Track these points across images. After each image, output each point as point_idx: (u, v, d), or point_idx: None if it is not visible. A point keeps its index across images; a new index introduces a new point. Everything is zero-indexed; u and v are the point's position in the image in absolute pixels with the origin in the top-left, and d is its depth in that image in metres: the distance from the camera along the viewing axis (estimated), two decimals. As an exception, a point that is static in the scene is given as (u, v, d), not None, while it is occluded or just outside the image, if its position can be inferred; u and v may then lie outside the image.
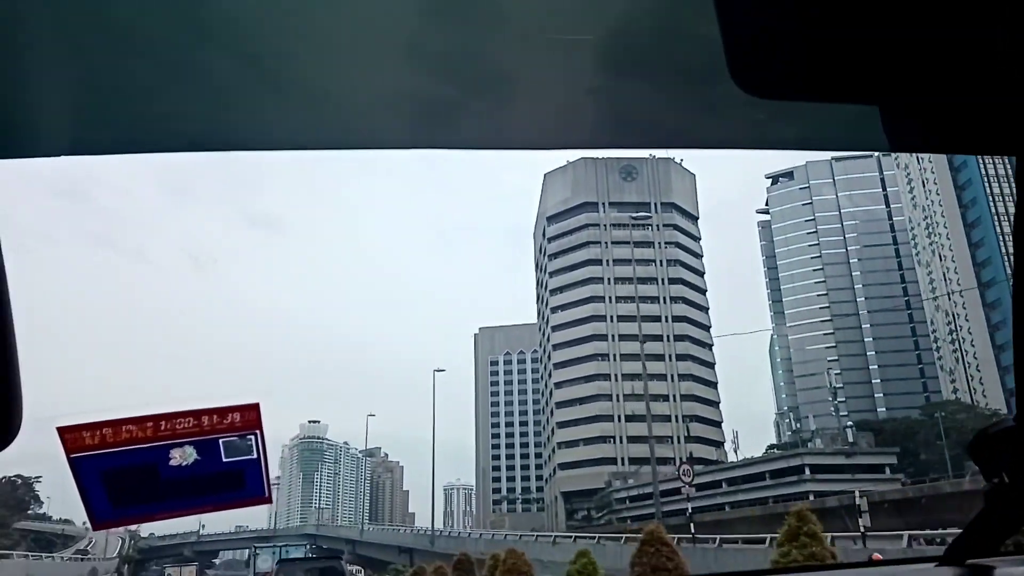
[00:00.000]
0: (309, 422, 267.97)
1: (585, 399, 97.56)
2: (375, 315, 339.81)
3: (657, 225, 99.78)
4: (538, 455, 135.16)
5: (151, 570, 72.84)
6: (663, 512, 61.34)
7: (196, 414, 1.30)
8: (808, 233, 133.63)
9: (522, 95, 1.14)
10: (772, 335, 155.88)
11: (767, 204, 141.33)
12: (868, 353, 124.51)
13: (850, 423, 70.47)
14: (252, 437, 1.33)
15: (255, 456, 1.33)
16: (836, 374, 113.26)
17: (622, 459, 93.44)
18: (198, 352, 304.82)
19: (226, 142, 1.15)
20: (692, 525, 25.26)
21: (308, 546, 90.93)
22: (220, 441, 1.31)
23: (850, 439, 64.58)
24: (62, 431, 1.25)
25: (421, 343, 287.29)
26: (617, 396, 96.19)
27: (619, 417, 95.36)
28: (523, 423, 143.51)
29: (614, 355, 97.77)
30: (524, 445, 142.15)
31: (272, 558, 33.71)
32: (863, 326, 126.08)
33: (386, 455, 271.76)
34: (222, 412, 1.31)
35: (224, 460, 1.31)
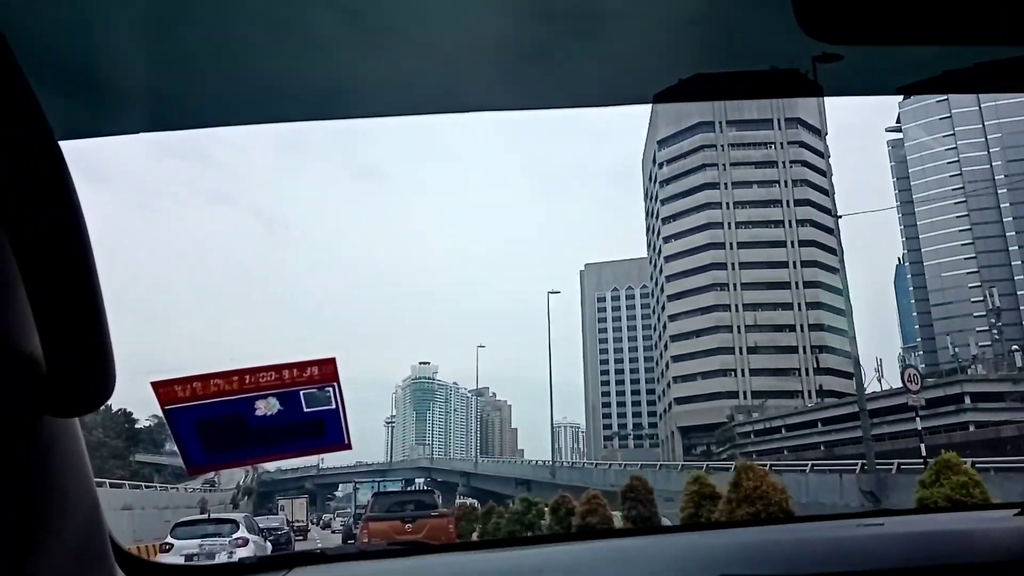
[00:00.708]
0: (420, 363, 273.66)
1: (702, 331, 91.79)
2: (478, 261, 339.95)
3: (781, 143, 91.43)
4: (650, 391, 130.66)
5: (275, 500, 74.49)
6: (834, 442, 55.60)
7: (278, 368, 1.37)
8: (947, 150, 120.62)
9: (622, 37, 1.09)
10: (902, 262, 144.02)
11: (898, 121, 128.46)
12: (1016, 277, 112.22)
13: (1016, 347, 62.02)
14: (330, 389, 1.38)
15: (334, 406, 1.38)
16: (977, 301, 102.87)
17: (744, 393, 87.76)
18: (312, 301, 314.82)
19: (334, 109, 1.13)
20: (924, 447, 19.66)
21: (425, 479, 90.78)
22: (301, 393, 1.37)
23: (1018, 364, 56.57)
24: (156, 385, 1.32)
25: (525, 285, 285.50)
26: (738, 327, 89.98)
27: (740, 349, 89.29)
28: (633, 359, 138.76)
29: (734, 284, 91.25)
30: (635, 381, 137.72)
31: (371, 492, 32.96)
32: (1010, 248, 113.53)
33: (494, 394, 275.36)
34: (301, 366, 1.37)
35: (305, 410, 1.37)
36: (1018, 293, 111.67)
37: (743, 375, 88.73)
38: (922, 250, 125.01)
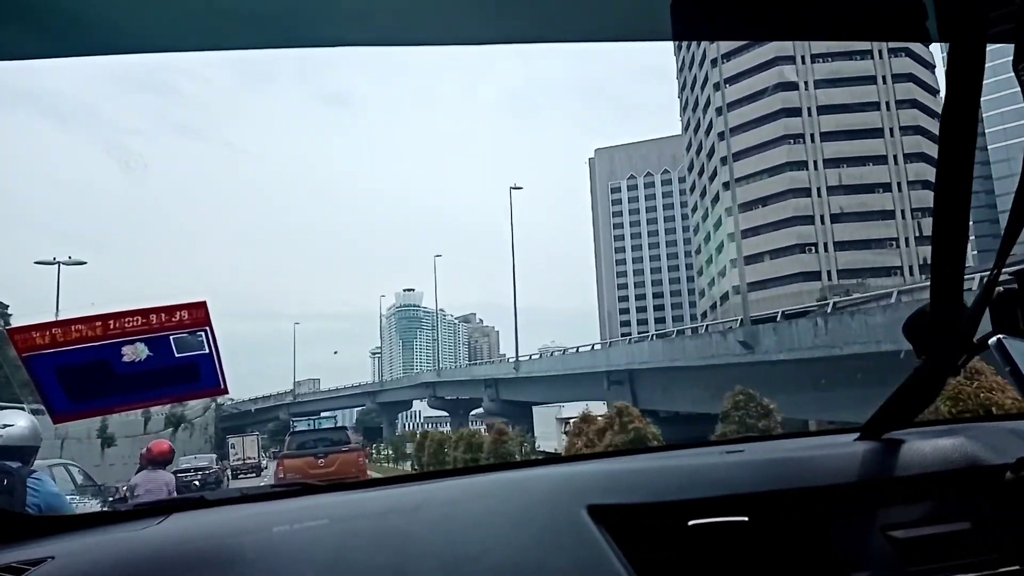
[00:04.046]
0: (404, 290, 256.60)
1: (770, 198, 69.41)
2: (457, 188, 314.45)
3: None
4: (675, 292, 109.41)
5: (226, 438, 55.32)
6: None
7: (144, 313, 1.30)
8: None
9: None
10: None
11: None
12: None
13: None
14: (202, 333, 1.32)
15: (207, 351, 1.33)
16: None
17: (828, 273, 66.10)
18: (288, 233, 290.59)
19: (296, 36, 1.05)
20: None
21: (429, 398, 69.61)
22: (171, 338, 1.31)
23: None
24: (12, 332, 1.25)
25: (506, 211, 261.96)
26: (818, 190, 67.66)
27: (822, 218, 67.17)
28: (654, 257, 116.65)
29: (811, 135, 68.51)
30: (657, 283, 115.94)
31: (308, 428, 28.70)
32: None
33: (481, 320, 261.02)
34: (170, 310, 1.31)
35: (176, 355, 1.31)
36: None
37: (825, 250, 66.76)
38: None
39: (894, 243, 66.58)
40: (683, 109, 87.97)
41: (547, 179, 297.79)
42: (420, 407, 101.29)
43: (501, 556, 1.19)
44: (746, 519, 1.29)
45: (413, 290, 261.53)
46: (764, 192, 69.57)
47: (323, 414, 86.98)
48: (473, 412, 64.60)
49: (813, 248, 67.23)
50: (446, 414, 69.32)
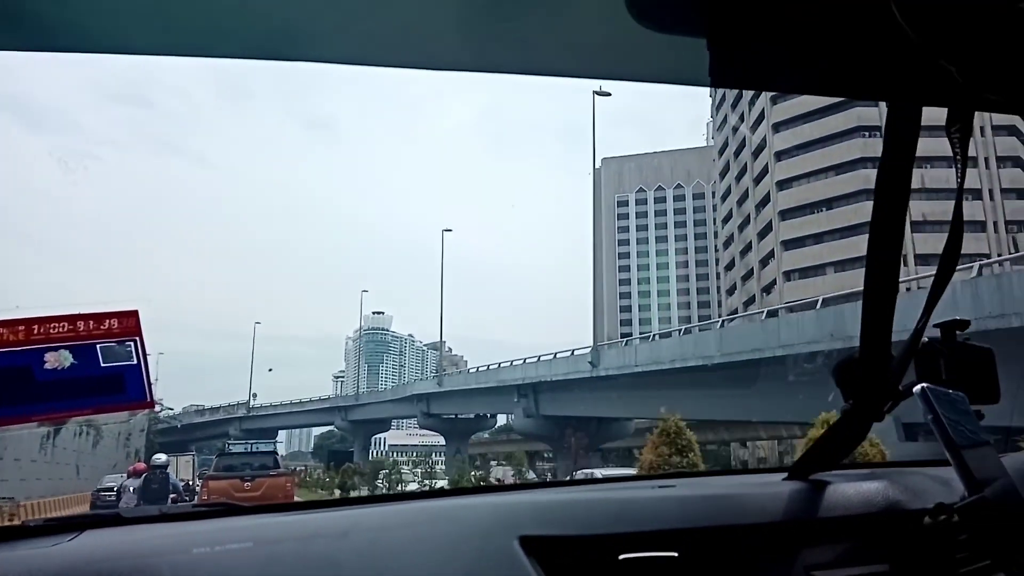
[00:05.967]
0: (373, 313, 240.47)
1: (837, 200, 57.70)
2: (430, 217, 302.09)
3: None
4: (682, 311, 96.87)
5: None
6: None
7: (71, 319, 1.23)
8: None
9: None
10: None
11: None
12: None
13: None
14: (131, 343, 1.25)
15: (135, 362, 1.26)
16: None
17: (907, 290, 53.92)
18: (258, 250, 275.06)
19: (279, 49, 0.99)
20: None
21: (419, 416, 55.03)
22: (98, 346, 1.23)
23: None
24: None
25: (480, 244, 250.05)
26: (896, 192, 55.98)
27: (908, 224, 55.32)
28: (662, 279, 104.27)
29: (889, 128, 57.01)
30: (664, 306, 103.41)
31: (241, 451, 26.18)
32: None
33: (450, 349, 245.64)
34: (99, 318, 1.24)
35: (102, 365, 1.24)
36: None
37: (904, 263, 54.62)
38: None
39: (983, 259, 55.04)
40: (717, 106, 76.55)
41: (528, 209, 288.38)
42: (386, 435, 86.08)
43: None
44: (676, 555, 1.27)
45: (383, 313, 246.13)
46: (829, 193, 57.83)
47: (280, 433, 72.14)
48: (476, 435, 50.67)
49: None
50: (439, 438, 54.62)
